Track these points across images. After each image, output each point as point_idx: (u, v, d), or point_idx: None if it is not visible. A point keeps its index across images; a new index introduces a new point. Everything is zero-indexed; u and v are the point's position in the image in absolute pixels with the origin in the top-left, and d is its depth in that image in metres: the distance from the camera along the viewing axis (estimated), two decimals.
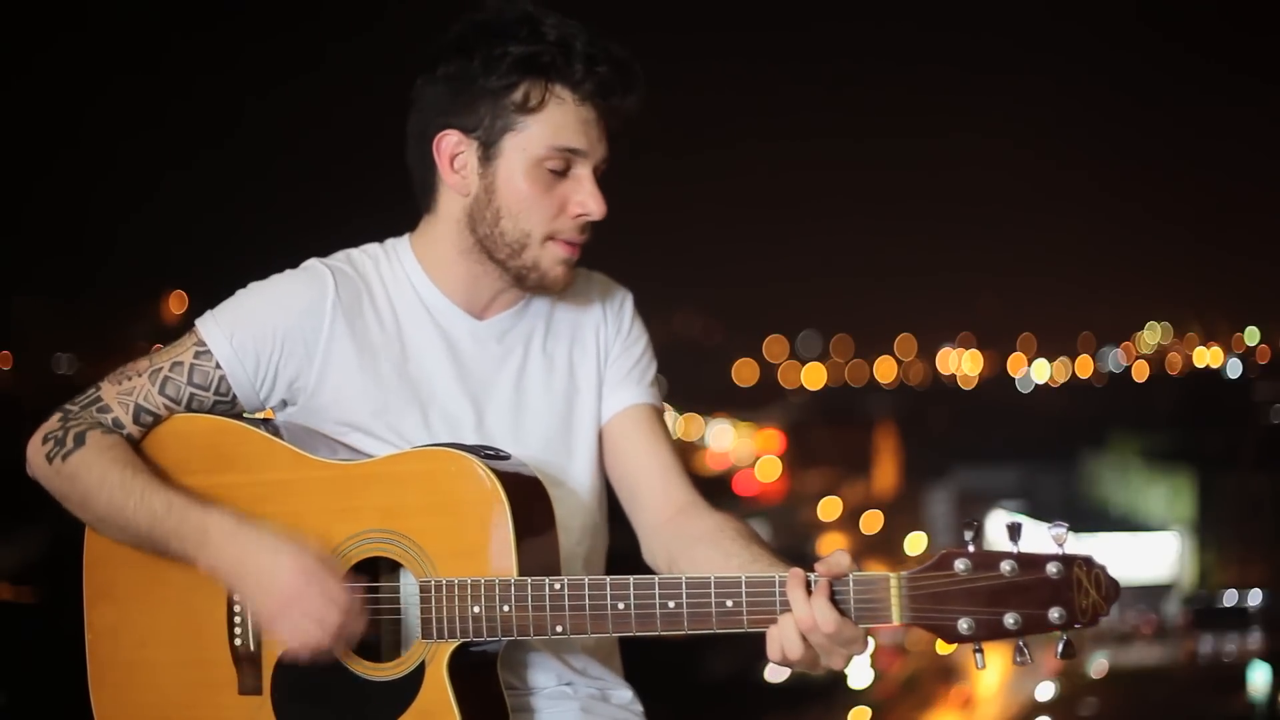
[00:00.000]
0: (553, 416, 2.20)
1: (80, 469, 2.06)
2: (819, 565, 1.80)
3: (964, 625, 1.72)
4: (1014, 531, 1.72)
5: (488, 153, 2.09)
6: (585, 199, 2.08)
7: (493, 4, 2.10)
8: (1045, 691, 43.52)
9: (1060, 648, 1.72)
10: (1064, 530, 1.72)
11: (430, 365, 2.16)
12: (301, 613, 1.91)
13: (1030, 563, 1.71)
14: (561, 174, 2.08)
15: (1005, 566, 1.71)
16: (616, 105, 2.09)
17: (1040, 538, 1.74)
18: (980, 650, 1.75)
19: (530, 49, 2.04)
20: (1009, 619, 1.71)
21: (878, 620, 1.76)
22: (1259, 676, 39.32)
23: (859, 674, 41.93)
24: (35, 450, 2.11)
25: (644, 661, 2.38)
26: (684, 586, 1.83)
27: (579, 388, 2.24)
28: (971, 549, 1.73)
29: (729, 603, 1.81)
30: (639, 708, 2.26)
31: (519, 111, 2.06)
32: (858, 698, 40.76)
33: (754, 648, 1.83)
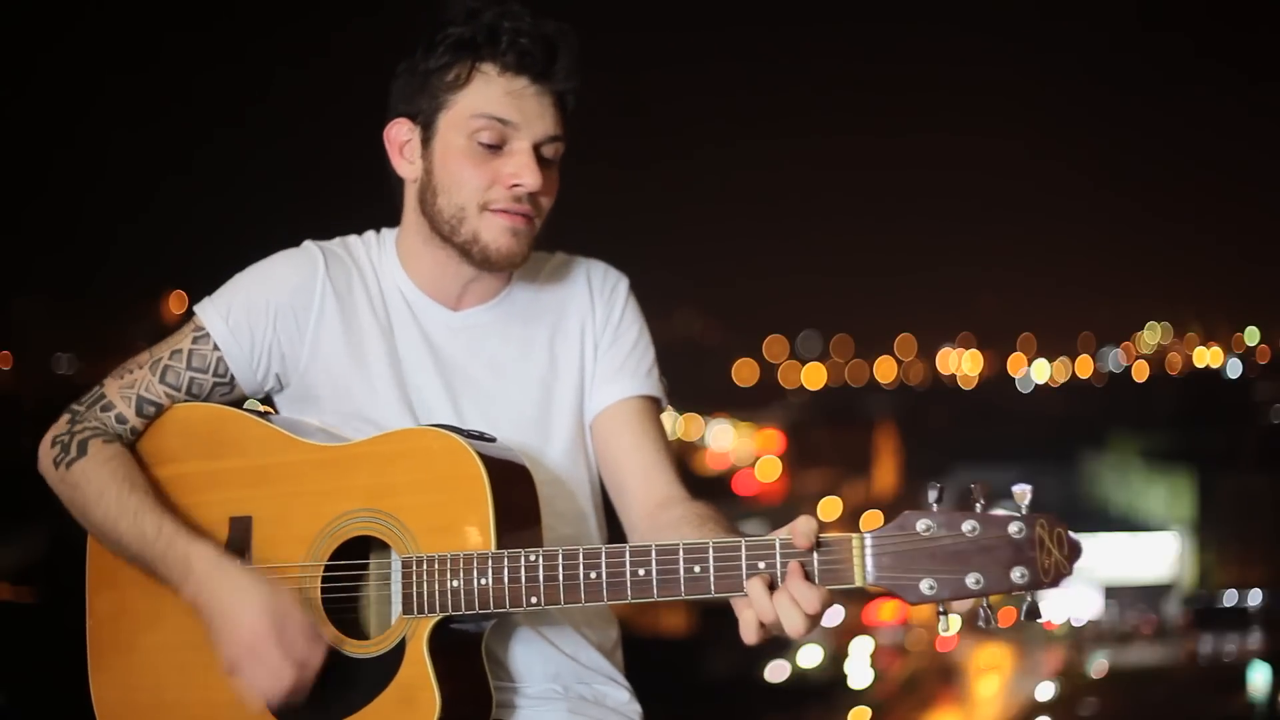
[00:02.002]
0: (527, 403, 2.21)
1: (81, 479, 2.11)
2: (784, 530, 1.79)
3: (926, 586, 1.71)
4: (977, 492, 1.72)
5: (427, 134, 2.13)
6: (518, 170, 2.09)
7: (455, 2, 2.13)
8: (1045, 691, 43.53)
9: (1024, 609, 1.71)
10: (1027, 489, 1.70)
11: (410, 354, 2.19)
12: (259, 664, 1.93)
13: (992, 522, 1.70)
14: (497, 149, 2.10)
15: (967, 526, 1.70)
16: (542, 76, 2.10)
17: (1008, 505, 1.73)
18: (944, 612, 1.74)
19: (462, 31, 2.09)
20: (971, 579, 1.69)
21: (841, 582, 1.76)
22: (1259, 676, 39.30)
23: (859, 674, 41.96)
24: (44, 453, 2.16)
25: (643, 661, 2.37)
26: (653, 554, 1.84)
27: (559, 375, 2.25)
28: (935, 509, 1.73)
29: (696, 568, 1.81)
30: (636, 708, 2.25)
31: (449, 90, 2.10)
32: (858, 698, 40.76)
33: (754, 647, 1.83)
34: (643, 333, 2.33)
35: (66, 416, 2.18)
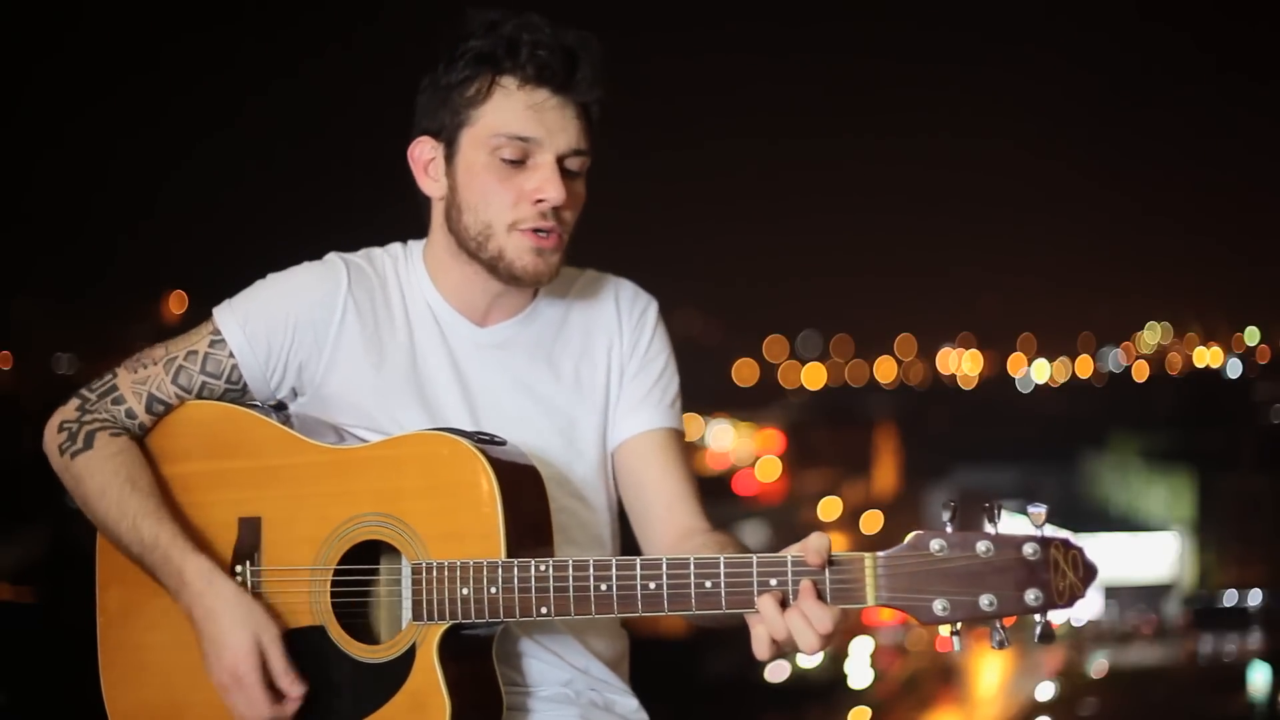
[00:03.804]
0: (552, 429, 2.19)
1: (84, 473, 2.11)
2: (796, 547, 1.77)
3: (939, 606, 1.69)
4: (992, 512, 1.70)
5: (450, 151, 2.12)
6: (541, 184, 2.06)
7: (471, 13, 2.11)
8: (1045, 691, 43.52)
9: (1038, 631, 1.69)
10: (1042, 510, 1.68)
11: (434, 370, 2.18)
12: (240, 692, 1.98)
13: (1006, 543, 1.68)
14: (520, 164, 2.08)
15: (981, 547, 1.68)
16: (564, 87, 2.07)
17: (1020, 519, 1.71)
18: (958, 632, 1.72)
19: (482, 44, 2.07)
20: (984, 600, 1.68)
21: (853, 601, 1.74)
22: (1259, 676, 39.32)
23: (859, 674, 41.95)
24: (51, 436, 2.16)
25: (644, 662, 2.37)
26: (664, 568, 1.83)
27: (584, 401, 2.22)
28: (949, 529, 1.70)
29: (708, 584, 1.80)
30: (644, 717, 2.25)
31: (470, 106, 2.08)
32: (858, 698, 40.76)
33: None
34: (670, 361, 2.30)
35: (76, 402, 2.17)
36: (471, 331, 2.20)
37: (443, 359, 2.18)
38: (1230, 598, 52.23)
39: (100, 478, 2.10)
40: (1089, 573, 1.68)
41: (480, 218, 2.09)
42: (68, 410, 2.17)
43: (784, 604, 1.77)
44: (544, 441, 2.18)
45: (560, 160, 2.08)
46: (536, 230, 2.08)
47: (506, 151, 2.07)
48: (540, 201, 2.07)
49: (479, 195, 2.09)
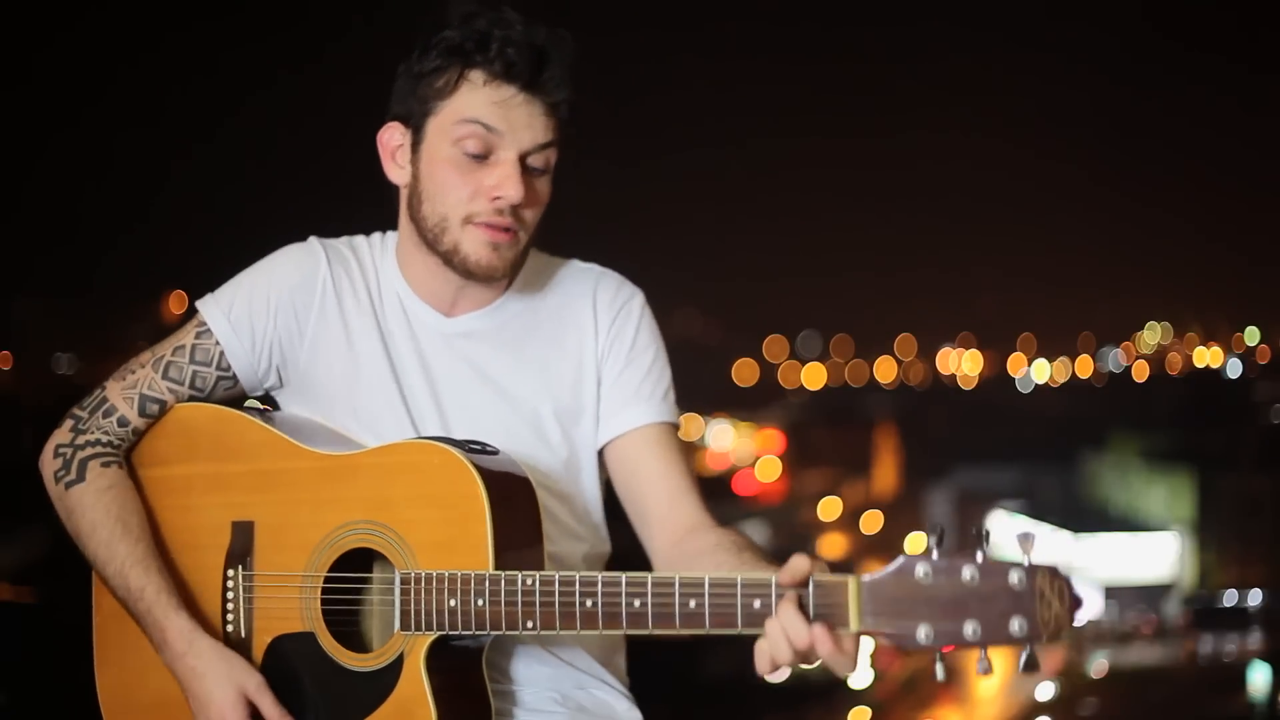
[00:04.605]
0: (518, 419, 2.18)
1: (76, 506, 2.12)
2: (781, 574, 1.74)
3: (923, 634, 1.66)
4: (982, 538, 1.67)
5: (416, 139, 2.11)
6: (501, 181, 2.05)
7: (453, 4, 2.10)
8: (1045, 691, 43.56)
9: (1023, 660, 1.65)
10: (1032, 536, 1.64)
11: (402, 359, 2.17)
12: None
13: (992, 571, 1.64)
14: (483, 159, 2.06)
15: (966, 574, 1.64)
16: (530, 85, 2.05)
17: (1009, 544, 1.69)
18: (940, 660, 1.69)
19: (454, 36, 2.06)
20: (968, 628, 1.64)
21: (835, 624, 1.71)
22: (1259, 676, 39.36)
23: (859, 674, 41.98)
24: (47, 463, 2.16)
25: (642, 662, 2.36)
26: (649, 586, 1.81)
27: (550, 390, 2.20)
28: (935, 555, 1.67)
29: (692, 603, 1.78)
30: (636, 715, 2.23)
31: (437, 97, 2.07)
32: (858, 698, 40.78)
33: (752, 648, 1.81)
34: (659, 354, 2.27)
35: (70, 423, 2.16)
36: (438, 321, 2.19)
37: (409, 348, 2.18)
38: (1230, 598, 52.30)
39: (92, 514, 2.10)
40: (1075, 603, 1.64)
41: (437, 209, 2.08)
42: (62, 433, 2.16)
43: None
44: (509, 432, 2.15)
45: (523, 158, 2.07)
46: (491, 225, 2.07)
47: (470, 144, 2.05)
48: (497, 199, 2.06)
49: (438, 186, 2.08)
